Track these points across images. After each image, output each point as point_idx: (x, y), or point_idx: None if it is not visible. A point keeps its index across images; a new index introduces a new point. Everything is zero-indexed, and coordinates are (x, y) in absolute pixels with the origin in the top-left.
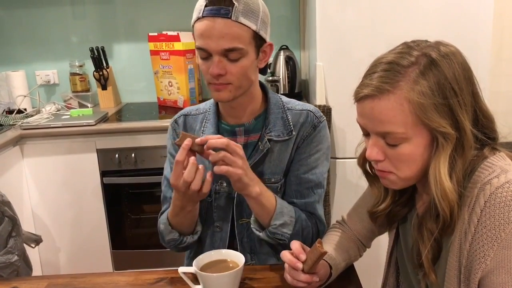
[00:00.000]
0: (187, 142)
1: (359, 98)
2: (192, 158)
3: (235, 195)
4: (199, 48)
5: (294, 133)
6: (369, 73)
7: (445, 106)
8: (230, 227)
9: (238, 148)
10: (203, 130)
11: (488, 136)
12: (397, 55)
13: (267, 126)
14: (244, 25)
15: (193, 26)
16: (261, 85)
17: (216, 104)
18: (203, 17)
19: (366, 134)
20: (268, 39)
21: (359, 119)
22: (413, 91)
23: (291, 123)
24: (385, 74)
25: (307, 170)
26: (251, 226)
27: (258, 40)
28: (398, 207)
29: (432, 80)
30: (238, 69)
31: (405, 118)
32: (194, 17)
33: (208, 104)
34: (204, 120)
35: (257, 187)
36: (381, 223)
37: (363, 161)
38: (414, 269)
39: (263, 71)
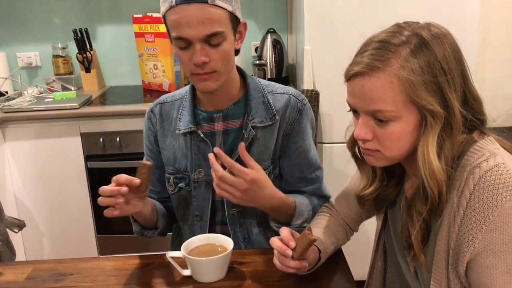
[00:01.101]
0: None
1: (350, 76)
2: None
3: None
4: (177, 38)
5: (277, 117)
6: (360, 52)
7: (434, 84)
8: (222, 217)
9: (247, 173)
10: (179, 118)
11: (477, 118)
12: (388, 35)
13: (249, 113)
14: (221, 7)
15: (164, 16)
16: (239, 69)
17: (193, 91)
18: (176, 5)
19: (356, 113)
20: (241, 19)
21: (349, 98)
22: (403, 68)
23: (273, 107)
24: (376, 52)
25: (305, 157)
26: (271, 225)
27: (235, 21)
28: (386, 191)
29: (423, 59)
30: (221, 54)
31: (394, 96)
32: (166, 6)
33: (184, 91)
34: (181, 107)
35: (265, 203)
36: (369, 207)
37: (352, 144)
38: (404, 251)
39: (235, 53)
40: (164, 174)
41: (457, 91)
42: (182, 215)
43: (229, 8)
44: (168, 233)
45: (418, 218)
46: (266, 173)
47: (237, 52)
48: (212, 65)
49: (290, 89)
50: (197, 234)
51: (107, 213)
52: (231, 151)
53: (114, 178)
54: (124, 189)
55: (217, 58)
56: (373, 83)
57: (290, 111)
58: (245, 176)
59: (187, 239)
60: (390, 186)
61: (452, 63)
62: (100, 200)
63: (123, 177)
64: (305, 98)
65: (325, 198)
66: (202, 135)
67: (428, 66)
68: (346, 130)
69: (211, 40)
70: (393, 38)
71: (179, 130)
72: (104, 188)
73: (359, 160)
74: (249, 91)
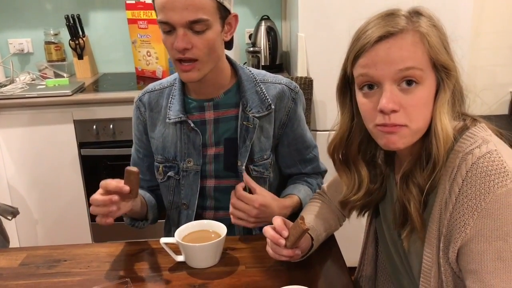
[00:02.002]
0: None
1: (372, 42)
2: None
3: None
4: (161, 22)
5: (272, 107)
6: (365, 29)
7: (446, 44)
8: (215, 203)
9: (254, 200)
10: (169, 107)
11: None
12: (386, 12)
13: (246, 104)
14: None
15: (153, 0)
16: (229, 60)
17: None
18: None
19: (370, 89)
20: (232, 10)
21: (368, 69)
22: (430, 30)
23: (267, 97)
24: (388, 18)
25: (302, 141)
26: None
27: (223, 11)
28: (372, 195)
29: (432, 23)
30: (204, 42)
31: (422, 56)
32: None
33: (173, 78)
34: (171, 96)
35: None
36: (353, 211)
37: (336, 147)
38: (395, 231)
39: (228, 46)
40: (153, 163)
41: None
42: (171, 203)
43: None
44: (160, 221)
45: (417, 193)
46: (269, 162)
47: (229, 45)
48: (195, 52)
49: (281, 78)
50: (183, 223)
51: (100, 221)
52: (222, 141)
53: (103, 184)
54: (115, 198)
55: (200, 46)
56: (402, 42)
57: (285, 101)
58: (253, 203)
59: (174, 227)
60: (375, 189)
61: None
62: (92, 210)
63: (112, 184)
64: (297, 85)
65: (323, 173)
66: (192, 125)
67: (437, 29)
68: (330, 129)
69: (195, 26)
70: (394, 12)
71: (169, 120)
72: (95, 199)
73: (342, 165)
74: (242, 82)
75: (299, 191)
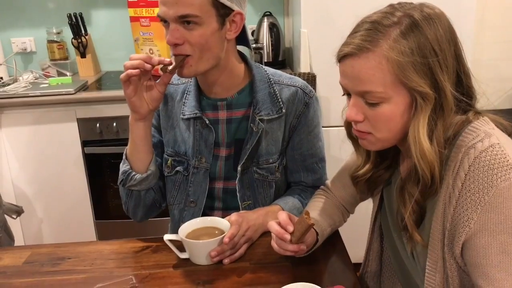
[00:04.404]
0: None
1: (341, 57)
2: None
3: (219, 174)
4: (158, 16)
5: (283, 110)
6: (352, 33)
7: (424, 65)
8: (223, 205)
9: (240, 231)
10: (184, 102)
11: (467, 94)
12: (380, 15)
13: (256, 105)
14: None
15: None
16: (245, 59)
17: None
18: None
19: (348, 94)
20: (236, 8)
21: (341, 79)
22: (392, 50)
23: (279, 99)
24: (367, 33)
25: (309, 147)
26: None
27: (221, 9)
28: (378, 172)
29: (413, 40)
30: (196, 39)
31: (384, 77)
32: None
33: None
34: (186, 92)
35: (268, 217)
36: (362, 188)
37: (348, 124)
38: (400, 232)
39: (244, 43)
40: (163, 154)
41: (450, 73)
42: (174, 199)
43: None
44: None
45: (410, 200)
46: (275, 166)
47: (243, 42)
48: (186, 48)
49: (297, 81)
50: (187, 219)
51: (126, 74)
52: (233, 142)
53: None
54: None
55: (192, 41)
56: (362, 64)
57: (297, 104)
58: (239, 232)
59: (175, 223)
60: (382, 168)
61: (445, 44)
62: (126, 65)
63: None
64: (312, 90)
65: None
66: (207, 121)
67: (419, 47)
68: (342, 110)
69: (185, 22)
70: (384, 19)
71: (184, 115)
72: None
73: (355, 140)
74: (255, 82)
75: (285, 203)
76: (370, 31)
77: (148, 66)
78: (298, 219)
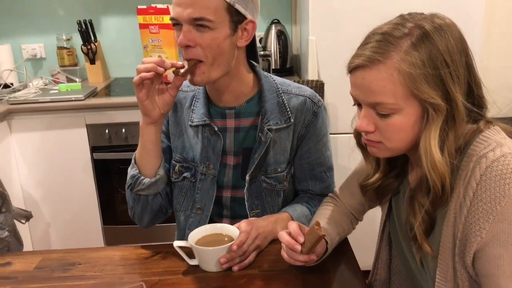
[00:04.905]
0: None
1: (351, 68)
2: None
3: (227, 181)
4: (171, 18)
5: (292, 120)
6: (363, 44)
7: (436, 77)
8: (231, 212)
9: (244, 236)
10: (193, 109)
11: (478, 104)
12: (391, 27)
13: (264, 115)
14: None
15: None
16: (253, 68)
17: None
18: None
19: (358, 105)
20: (249, 16)
21: (352, 90)
22: (403, 62)
23: (288, 109)
24: (378, 44)
25: (318, 156)
26: None
27: (235, 15)
28: (388, 180)
29: (424, 51)
30: (208, 42)
31: (395, 89)
32: None
33: None
34: (194, 99)
35: (277, 225)
36: (371, 197)
37: (357, 133)
38: (409, 241)
39: (252, 56)
40: (171, 159)
41: (461, 84)
42: (181, 205)
43: None
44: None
45: (420, 210)
46: (283, 176)
47: (253, 57)
48: (198, 52)
49: (305, 90)
50: (193, 226)
51: (139, 77)
52: (242, 150)
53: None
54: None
55: (203, 44)
56: (374, 76)
57: (305, 114)
58: (248, 239)
59: (181, 230)
60: (391, 177)
61: (456, 55)
62: (139, 68)
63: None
64: (321, 99)
65: None
66: (216, 128)
67: (430, 59)
68: (352, 119)
69: (198, 25)
70: (395, 30)
71: (192, 122)
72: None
73: (364, 149)
74: (264, 92)
75: (294, 211)
76: (381, 43)
77: (161, 69)
78: (309, 229)
